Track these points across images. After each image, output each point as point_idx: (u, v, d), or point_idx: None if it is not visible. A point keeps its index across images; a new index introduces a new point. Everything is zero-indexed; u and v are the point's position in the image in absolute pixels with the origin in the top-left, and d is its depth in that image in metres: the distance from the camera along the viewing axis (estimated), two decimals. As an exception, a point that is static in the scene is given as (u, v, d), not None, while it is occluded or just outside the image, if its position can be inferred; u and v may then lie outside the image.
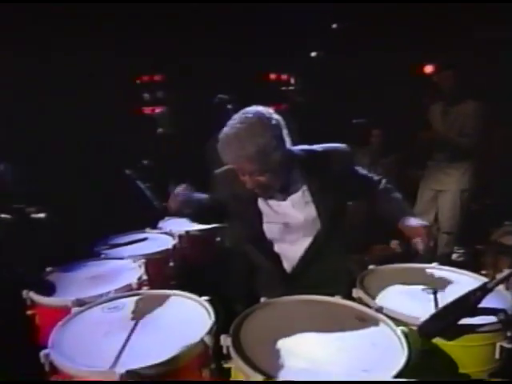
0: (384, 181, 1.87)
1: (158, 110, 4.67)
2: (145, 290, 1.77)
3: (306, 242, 1.77)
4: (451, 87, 3.42)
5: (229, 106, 1.74)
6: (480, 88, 3.74)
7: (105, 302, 1.64)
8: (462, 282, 1.68)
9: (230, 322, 1.37)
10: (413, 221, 1.69)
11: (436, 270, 1.81)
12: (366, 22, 5.81)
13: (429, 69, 5.60)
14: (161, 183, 3.60)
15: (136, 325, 1.45)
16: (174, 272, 2.36)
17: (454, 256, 3.84)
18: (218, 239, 2.79)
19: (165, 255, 2.33)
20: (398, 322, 1.37)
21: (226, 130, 1.57)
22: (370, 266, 1.81)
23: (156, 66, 6.40)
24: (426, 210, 3.70)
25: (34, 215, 2.00)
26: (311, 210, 1.73)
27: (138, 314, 1.53)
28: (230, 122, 1.58)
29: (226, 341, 1.27)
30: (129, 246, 2.45)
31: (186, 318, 1.48)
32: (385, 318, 1.38)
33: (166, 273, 2.31)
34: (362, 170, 1.88)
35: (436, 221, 3.69)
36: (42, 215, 2.01)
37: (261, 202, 1.77)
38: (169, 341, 1.32)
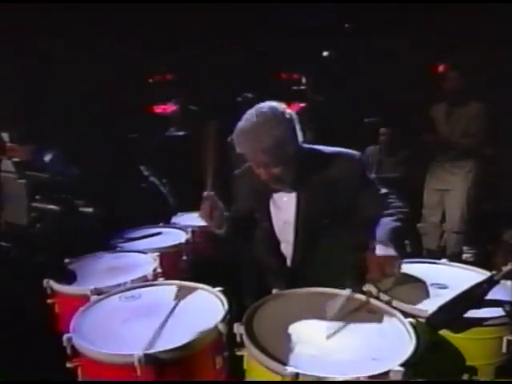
0: (391, 211, 1.66)
1: (170, 109, 4.75)
2: (160, 281, 1.82)
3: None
4: (456, 88, 3.41)
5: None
6: (487, 89, 3.72)
7: (122, 291, 1.70)
8: (471, 277, 1.69)
9: (241, 314, 1.41)
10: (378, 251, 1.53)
11: (445, 266, 1.85)
12: (378, 21, 5.81)
13: (442, 68, 5.57)
14: (175, 180, 3.68)
15: (152, 313, 1.51)
16: (187, 266, 2.41)
17: (465, 256, 3.83)
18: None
19: (178, 249, 2.39)
20: (406, 314, 1.40)
21: (241, 123, 1.61)
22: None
23: (169, 66, 6.50)
24: (433, 209, 3.71)
25: (82, 209, 2.03)
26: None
27: (154, 303, 1.59)
28: (245, 117, 1.62)
29: (239, 329, 1.32)
30: (143, 240, 2.51)
31: (200, 307, 1.54)
32: (394, 311, 1.42)
33: (179, 266, 2.36)
34: (372, 186, 1.74)
35: (443, 220, 3.70)
36: (90, 209, 2.04)
37: (272, 200, 1.79)
38: (183, 328, 1.38)
